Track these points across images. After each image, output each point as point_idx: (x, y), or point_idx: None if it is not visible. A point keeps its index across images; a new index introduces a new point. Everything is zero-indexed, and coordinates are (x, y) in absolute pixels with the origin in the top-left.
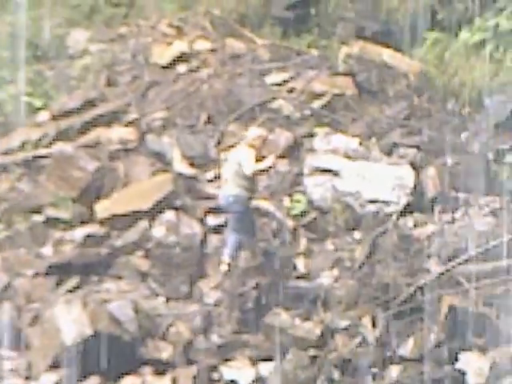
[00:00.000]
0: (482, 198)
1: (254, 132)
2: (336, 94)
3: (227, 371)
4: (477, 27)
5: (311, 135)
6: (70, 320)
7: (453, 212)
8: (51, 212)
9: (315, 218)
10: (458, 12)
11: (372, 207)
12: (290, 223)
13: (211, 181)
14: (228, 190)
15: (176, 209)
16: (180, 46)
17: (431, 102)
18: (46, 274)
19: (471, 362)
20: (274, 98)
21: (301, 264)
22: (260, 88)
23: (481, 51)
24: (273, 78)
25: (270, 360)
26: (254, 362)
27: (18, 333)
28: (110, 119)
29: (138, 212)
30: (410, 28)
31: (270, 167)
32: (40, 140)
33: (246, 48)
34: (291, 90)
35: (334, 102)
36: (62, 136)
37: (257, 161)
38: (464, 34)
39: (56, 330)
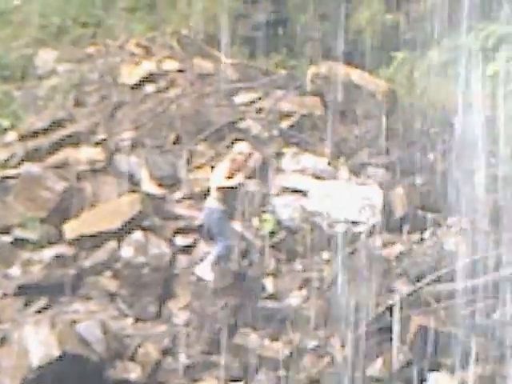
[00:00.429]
0: (450, 218)
1: (240, 147)
2: (304, 113)
3: None
4: (444, 47)
5: (279, 155)
6: (37, 341)
7: (421, 232)
8: (19, 232)
9: (284, 238)
10: (425, 32)
11: (340, 227)
12: (259, 243)
13: (180, 201)
14: (207, 202)
15: (144, 229)
16: (148, 66)
17: (399, 121)
18: (14, 294)
19: (439, 382)
20: (242, 118)
21: (269, 284)
22: (228, 108)
23: (448, 71)
24: (241, 98)
25: (239, 381)
26: (223, 382)
27: None
28: (78, 139)
29: (106, 232)
30: (378, 48)
31: (239, 185)
32: (8, 160)
33: (214, 68)
34: (259, 110)
35: (302, 122)
36: (29, 156)
37: (230, 177)
38: (432, 54)
39: (24, 351)
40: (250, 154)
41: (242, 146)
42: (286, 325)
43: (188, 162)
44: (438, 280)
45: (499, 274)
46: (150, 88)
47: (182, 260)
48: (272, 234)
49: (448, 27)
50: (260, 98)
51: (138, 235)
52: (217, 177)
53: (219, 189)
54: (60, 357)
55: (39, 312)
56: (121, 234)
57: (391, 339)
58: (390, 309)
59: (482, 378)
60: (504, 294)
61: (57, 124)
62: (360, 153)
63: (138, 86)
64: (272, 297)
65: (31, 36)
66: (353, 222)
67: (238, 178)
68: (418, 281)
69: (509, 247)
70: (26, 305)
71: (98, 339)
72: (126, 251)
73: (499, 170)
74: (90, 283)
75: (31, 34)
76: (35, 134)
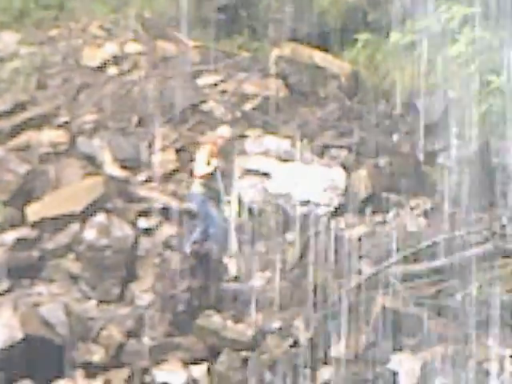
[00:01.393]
0: (413, 199)
1: (222, 131)
2: (267, 95)
3: (159, 374)
4: (408, 29)
5: (243, 137)
6: (0, 324)
7: (384, 213)
8: None
9: (247, 220)
10: (388, 14)
11: (304, 209)
12: (222, 225)
13: (143, 183)
14: (192, 187)
15: (107, 211)
16: (111, 49)
17: (362, 103)
18: None
19: (403, 363)
20: (205, 101)
21: (233, 266)
22: (191, 90)
23: (412, 52)
24: (204, 81)
25: (203, 362)
26: (186, 364)
27: None
28: (40, 122)
29: (69, 215)
30: (341, 30)
31: (215, 169)
32: None
33: (177, 50)
34: (222, 92)
35: (266, 104)
36: None
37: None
38: (395, 36)
39: None
40: (228, 138)
41: (224, 130)
42: (249, 306)
43: (151, 144)
44: (401, 261)
45: (462, 255)
46: (112, 70)
47: (145, 242)
48: (235, 215)
49: (411, 9)
50: (223, 81)
51: (100, 218)
52: (199, 163)
53: (202, 176)
54: (23, 339)
55: (1, 295)
56: (84, 216)
57: (354, 320)
58: (354, 290)
59: (445, 357)
60: (467, 275)
61: (19, 107)
62: (323, 134)
63: (100, 68)
64: (235, 278)
65: None
66: (316, 204)
67: (215, 163)
68: (381, 262)
69: (471, 228)
70: None
71: (62, 322)
72: (89, 234)
73: (462, 151)
74: (52, 266)
75: None
76: None
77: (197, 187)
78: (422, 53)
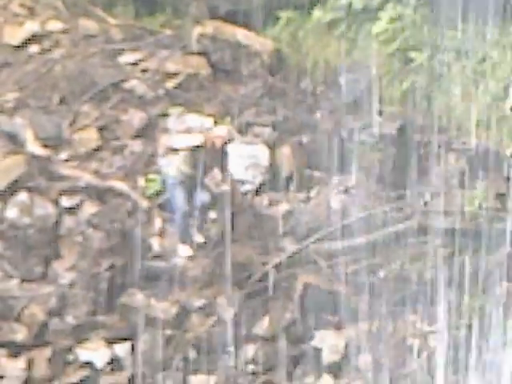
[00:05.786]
0: (336, 176)
1: (219, 131)
2: (190, 73)
3: (82, 353)
4: (329, 6)
5: (165, 115)
6: None
7: (308, 191)
8: None
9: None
10: None
11: (226, 186)
12: (145, 203)
13: (64, 162)
14: None
15: (29, 190)
16: (32, 27)
17: (285, 81)
18: None
19: (326, 340)
20: (127, 79)
21: (156, 244)
22: (113, 68)
23: (334, 30)
24: (126, 58)
25: (126, 340)
26: (110, 343)
27: None
28: None
29: None
30: (264, 7)
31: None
32: None
33: (99, 28)
34: (144, 70)
35: (188, 82)
36: None
37: None
38: (317, 13)
39: None
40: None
41: (221, 130)
42: (172, 284)
43: (73, 122)
44: (324, 238)
45: (384, 232)
46: (33, 49)
47: (68, 221)
48: (158, 193)
49: None
50: (145, 59)
51: (22, 196)
52: None
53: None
54: None
55: None
56: (5, 195)
57: (278, 298)
58: (277, 267)
59: (369, 334)
60: (389, 252)
61: None
62: (246, 112)
63: (21, 46)
64: (158, 256)
65: None
66: (239, 181)
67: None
68: (305, 239)
69: (394, 205)
70: None
71: None
72: (11, 212)
73: (385, 129)
74: None
75: None
76: None
77: None
78: (344, 30)
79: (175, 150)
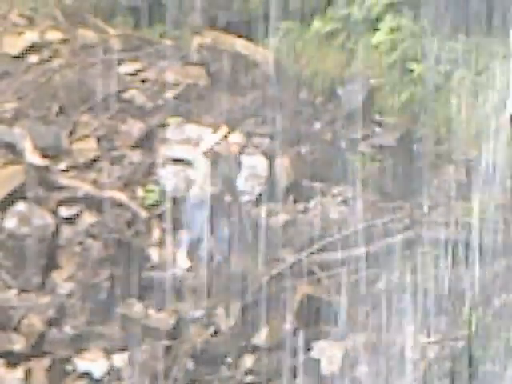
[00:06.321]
0: (335, 187)
1: (234, 138)
2: (189, 83)
3: (81, 363)
4: (329, 17)
5: (164, 125)
6: None
7: (306, 201)
8: None
9: (169, 209)
10: (310, 1)
11: (228, 197)
12: (144, 214)
13: (63, 172)
14: None
15: (28, 200)
16: (31, 37)
17: (284, 91)
18: None
19: (325, 350)
20: (126, 89)
21: (154, 254)
22: (112, 79)
23: (333, 41)
24: (125, 68)
25: (124, 351)
26: (108, 353)
27: None
28: None
29: None
30: (263, 18)
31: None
32: None
33: (98, 38)
34: (144, 81)
35: (187, 92)
36: None
37: None
38: (316, 24)
39: None
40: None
41: (236, 137)
42: (171, 295)
43: (72, 132)
44: (323, 249)
45: (383, 243)
46: (33, 59)
47: (67, 231)
48: (157, 203)
49: None
50: (144, 69)
51: (21, 206)
52: None
53: None
54: None
55: None
56: (4, 205)
57: (277, 308)
58: (275, 278)
59: (367, 345)
60: (388, 263)
61: None
62: (245, 123)
63: (20, 56)
64: (157, 267)
65: None
66: (238, 192)
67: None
68: (303, 250)
69: (393, 215)
70: None
71: None
72: (10, 222)
73: (384, 139)
74: None
75: None
76: None
77: None
78: (343, 41)
79: (175, 161)
